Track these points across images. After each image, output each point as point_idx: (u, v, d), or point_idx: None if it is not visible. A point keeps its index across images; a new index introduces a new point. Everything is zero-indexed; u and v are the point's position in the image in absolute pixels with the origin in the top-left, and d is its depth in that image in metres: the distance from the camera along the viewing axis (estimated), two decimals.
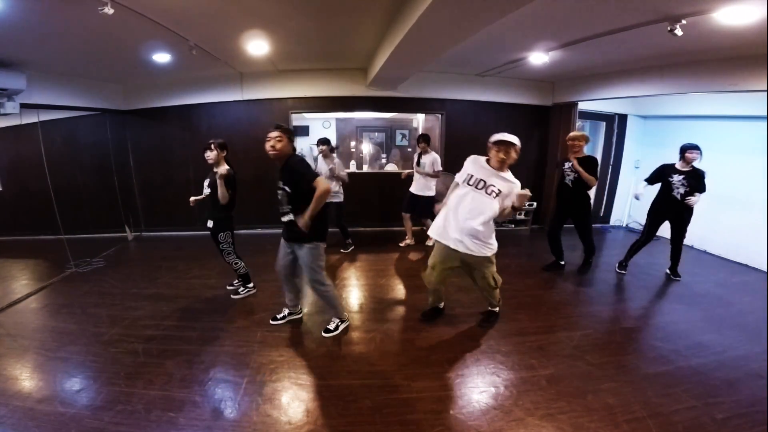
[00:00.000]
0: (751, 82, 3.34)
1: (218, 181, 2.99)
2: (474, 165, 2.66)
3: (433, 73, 5.37)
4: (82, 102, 4.84)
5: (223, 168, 3.03)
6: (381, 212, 5.99)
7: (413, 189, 4.78)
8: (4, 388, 2.25)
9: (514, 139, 2.56)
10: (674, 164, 3.79)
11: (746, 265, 4.50)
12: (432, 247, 2.95)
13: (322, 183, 2.37)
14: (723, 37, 2.95)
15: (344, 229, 4.85)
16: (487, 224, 2.59)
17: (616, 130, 6.10)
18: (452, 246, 2.65)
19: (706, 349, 2.68)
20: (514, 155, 2.59)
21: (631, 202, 6.25)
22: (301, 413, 2.07)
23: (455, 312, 3.22)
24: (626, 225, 6.32)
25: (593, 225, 4.12)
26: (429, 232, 2.91)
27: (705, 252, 5.05)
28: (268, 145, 2.42)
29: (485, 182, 2.57)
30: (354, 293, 3.67)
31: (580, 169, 3.67)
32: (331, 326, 2.86)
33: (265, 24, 3.20)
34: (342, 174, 4.52)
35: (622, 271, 4.11)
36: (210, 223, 3.23)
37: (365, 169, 7.31)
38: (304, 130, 7.36)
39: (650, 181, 3.97)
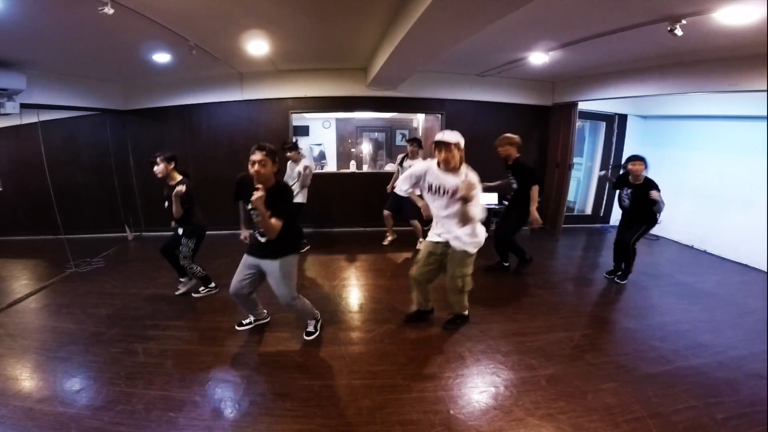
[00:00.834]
0: (751, 82, 3.34)
1: (173, 198, 3.02)
2: (429, 173, 2.62)
3: (433, 73, 5.37)
4: (82, 102, 4.84)
5: (181, 187, 3.04)
6: (381, 213, 5.98)
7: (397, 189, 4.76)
8: (4, 388, 2.25)
9: (451, 137, 2.45)
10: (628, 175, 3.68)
11: (746, 265, 4.50)
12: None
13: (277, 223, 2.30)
14: (723, 37, 2.95)
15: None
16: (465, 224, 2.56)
17: (616, 130, 6.09)
18: (435, 240, 2.68)
19: (706, 349, 2.69)
20: (456, 153, 2.48)
21: None
22: (301, 413, 2.07)
23: None
24: None
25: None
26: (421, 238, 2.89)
27: (705, 252, 5.05)
28: (252, 170, 2.29)
29: (443, 186, 2.54)
30: (354, 293, 3.67)
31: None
32: (311, 328, 2.82)
33: (265, 24, 3.20)
34: (307, 182, 4.53)
35: (612, 276, 3.99)
36: (180, 230, 3.28)
37: (365, 169, 7.30)
38: (304, 130, 7.35)
39: (614, 186, 3.92)
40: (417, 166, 2.73)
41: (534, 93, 5.81)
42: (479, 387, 2.30)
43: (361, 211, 5.92)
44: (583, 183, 6.63)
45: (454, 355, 2.62)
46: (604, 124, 6.14)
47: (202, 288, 3.52)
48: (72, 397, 2.19)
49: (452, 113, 5.79)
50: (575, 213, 6.59)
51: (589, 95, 5.15)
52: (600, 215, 6.40)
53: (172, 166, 3.17)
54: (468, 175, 2.47)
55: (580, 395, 2.20)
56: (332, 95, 5.49)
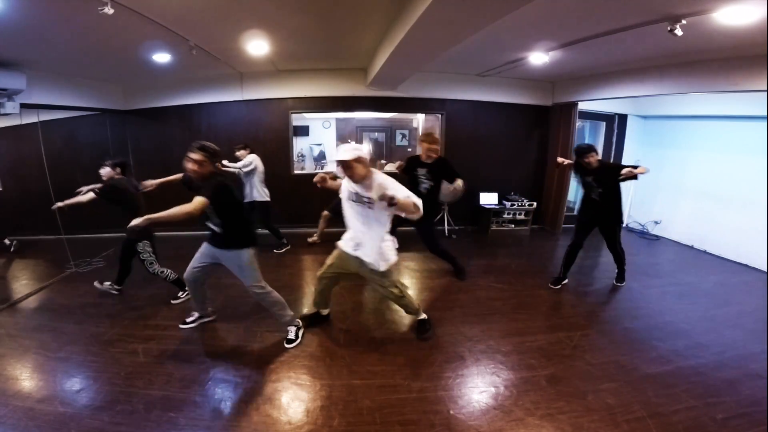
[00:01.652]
0: (751, 82, 3.34)
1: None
2: (344, 188, 2.62)
3: (433, 73, 5.37)
4: (82, 102, 4.84)
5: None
6: None
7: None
8: (4, 388, 2.25)
9: (346, 155, 2.36)
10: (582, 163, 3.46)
11: (746, 265, 4.49)
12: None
13: (194, 203, 2.29)
14: (723, 37, 2.95)
15: (274, 230, 4.85)
16: (378, 236, 2.52)
17: (616, 130, 6.09)
18: (348, 251, 2.62)
19: (706, 349, 2.69)
20: (358, 166, 2.40)
21: (631, 202, 6.25)
22: (301, 413, 2.07)
23: (454, 312, 3.22)
24: (626, 225, 6.32)
25: None
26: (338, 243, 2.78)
27: (705, 252, 5.05)
28: (186, 166, 2.38)
29: (358, 194, 2.51)
30: (354, 293, 3.67)
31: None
32: (291, 336, 2.75)
33: (265, 24, 3.20)
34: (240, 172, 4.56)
35: (558, 287, 3.76)
36: (140, 246, 3.32)
37: None
38: (304, 130, 7.36)
39: (579, 176, 3.72)
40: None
41: (534, 93, 5.81)
42: (479, 387, 2.30)
43: None
44: None
45: (454, 355, 2.62)
46: (604, 124, 6.14)
47: (180, 293, 3.42)
48: (72, 397, 2.19)
49: (452, 113, 5.79)
50: (575, 213, 6.58)
51: (589, 95, 5.16)
52: None
53: (118, 171, 3.42)
54: (377, 181, 2.43)
55: (580, 395, 2.20)
56: (332, 95, 5.49)
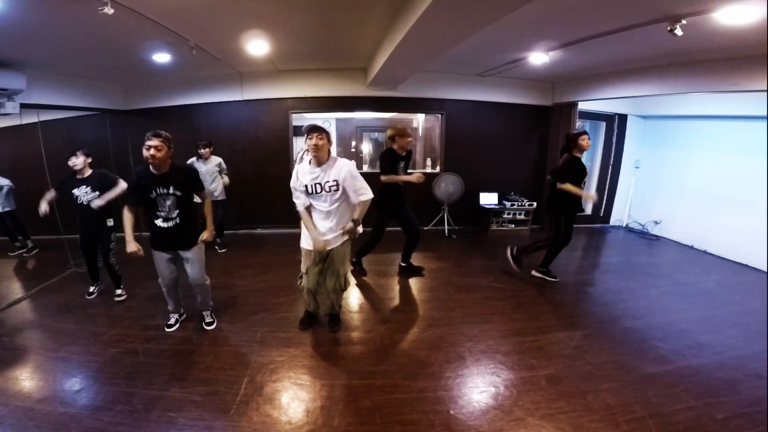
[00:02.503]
0: (751, 82, 3.34)
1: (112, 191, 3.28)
2: (303, 176, 2.56)
3: (433, 73, 5.37)
4: (82, 102, 4.84)
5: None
6: (380, 213, 5.98)
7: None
8: (4, 388, 2.25)
9: (320, 124, 2.49)
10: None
11: (746, 265, 4.49)
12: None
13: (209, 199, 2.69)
14: (723, 37, 2.95)
15: (221, 229, 4.88)
16: (341, 217, 2.62)
17: (616, 130, 6.10)
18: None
19: (706, 349, 2.68)
20: (326, 143, 2.46)
21: (631, 202, 6.25)
22: (301, 413, 2.07)
23: (454, 312, 3.22)
24: (626, 225, 6.32)
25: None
26: (301, 244, 2.81)
27: (705, 252, 5.05)
28: (147, 154, 2.40)
29: (320, 183, 2.51)
30: (354, 293, 3.67)
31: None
32: (209, 319, 2.97)
33: (265, 24, 3.21)
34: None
35: (542, 275, 3.88)
36: (110, 222, 3.35)
37: (365, 169, 7.30)
38: None
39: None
40: (295, 173, 2.64)
41: (534, 93, 5.82)
42: (479, 387, 2.30)
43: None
44: None
45: (454, 355, 2.61)
46: (604, 124, 6.14)
47: (119, 291, 3.46)
48: (72, 397, 2.19)
49: (452, 113, 5.79)
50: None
51: (589, 95, 5.16)
52: (600, 215, 6.41)
53: (89, 160, 3.33)
54: (339, 164, 2.51)
55: (580, 395, 2.20)
56: (332, 95, 5.49)
